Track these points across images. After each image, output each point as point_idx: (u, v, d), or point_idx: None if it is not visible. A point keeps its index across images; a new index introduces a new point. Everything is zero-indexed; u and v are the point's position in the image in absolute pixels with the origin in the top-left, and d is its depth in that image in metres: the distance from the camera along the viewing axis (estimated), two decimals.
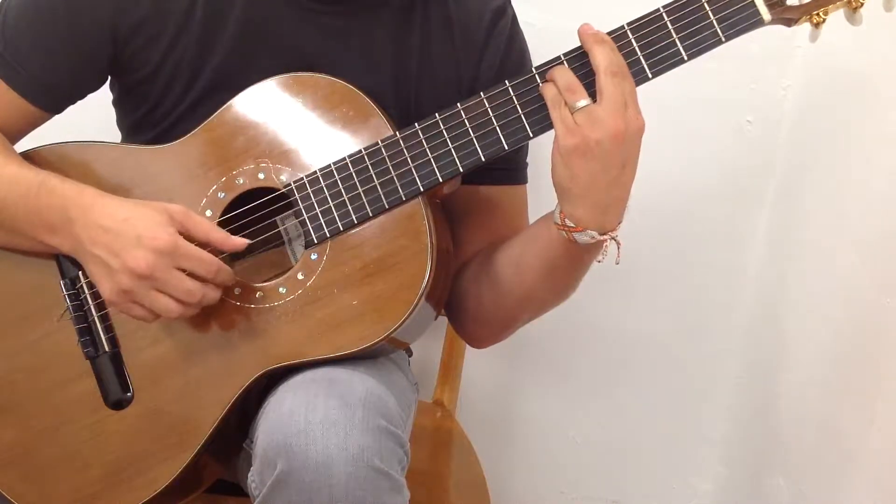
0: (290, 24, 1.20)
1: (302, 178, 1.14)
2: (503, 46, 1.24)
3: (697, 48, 1.08)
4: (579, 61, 1.09)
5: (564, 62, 1.09)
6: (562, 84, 1.07)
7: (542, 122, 1.10)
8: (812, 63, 1.62)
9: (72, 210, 1.11)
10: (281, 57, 1.18)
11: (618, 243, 1.10)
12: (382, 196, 1.12)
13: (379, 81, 1.20)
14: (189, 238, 1.09)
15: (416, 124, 1.12)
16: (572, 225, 1.09)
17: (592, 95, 1.07)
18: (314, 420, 1.00)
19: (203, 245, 1.10)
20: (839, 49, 1.43)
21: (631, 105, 1.06)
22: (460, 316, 1.27)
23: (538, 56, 1.25)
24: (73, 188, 1.13)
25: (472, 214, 1.26)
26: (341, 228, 1.13)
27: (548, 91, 1.09)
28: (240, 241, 1.12)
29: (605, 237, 1.09)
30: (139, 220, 1.08)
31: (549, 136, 1.09)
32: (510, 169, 1.27)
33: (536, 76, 1.10)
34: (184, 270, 1.08)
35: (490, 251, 1.23)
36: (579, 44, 1.10)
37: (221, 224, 1.15)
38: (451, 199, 1.23)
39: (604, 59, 1.06)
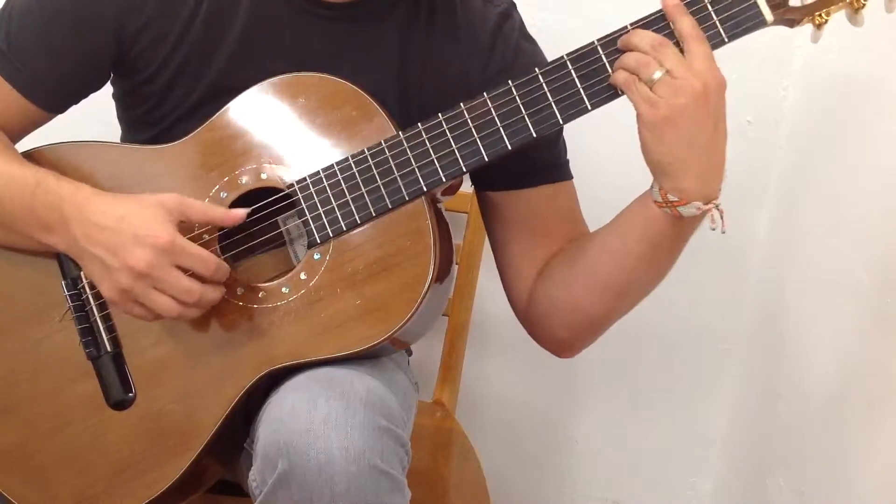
0: (295, 28, 1.20)
1: (304, 178, 1.14)
2: (511, 51, 1.23)
3: None
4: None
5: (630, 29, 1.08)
6: (632, 63, 1.06)
7: (546, 122, 1.10)
8: (812, 63, 1.63)
9: (67, 208, 1.11)
10: (284, 60, 1.18)
11: (721, 212, 1.09)
12: (385, 195, 1.12)
13: (382, 85, 1.19)
14: (189, 222, 1.10)
15: (419, 124, 1.12)
16: (676, 199, 1.08)
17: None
18: (316, 420, 1.00)
19: (204, 226, 1.11)
20: (839, 49, 1.44)
21: (707, 65, 1.05)
22: (549, 326, 1.24)
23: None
24: (69, 187, 1.12)
25: (530, 219, 1.25)
26: (344, 228, 1.13)
27: (619, 76, 1.07)
28: (240, 213, 1.11)
29: (710, 206, 1.08)
30: (136, 218, 1.08)
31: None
32: (555, 166, 1.26)
33: (539, 76, 1.10)
34: (182, 269, 1.08)
35: (572, 253, 1.21)
36: (581, 43, 1.09)
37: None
38: (505, 209, 1.24)
39: (682, 27, 1.06)
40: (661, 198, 1.09)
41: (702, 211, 1.08)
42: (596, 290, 1.18)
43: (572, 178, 1.27)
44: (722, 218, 1.09)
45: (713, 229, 1.09)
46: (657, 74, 1.05)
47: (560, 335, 1.25)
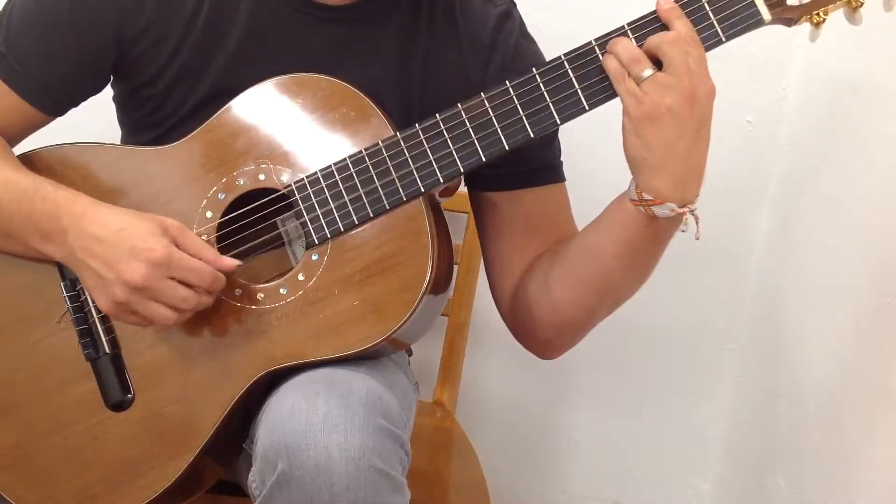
0: (295, 30, 1.20)
1: (302, 179, 1.14)
2: (511, 50, 1.23)
3: None
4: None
5: (629, 31, 1.08)
6: (625, 56, 1.06)
7: (544, 122, 1.10)
8: (812, 63, 1.63)
9: (64, 218, 1.11)
10: (284, 62, 1.18)
11: (696, 217, 1.08)
12: (383, 196, 1.12)
13: (383, 86, 1.19)
14: (181, 249, 1.09)
15: (416, 125, 1.12)
16: (650, 198, 1.07)
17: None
18: (315, 420, 1.01)
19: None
20: (839, 49, 1.44)
21: (699, 69, 1.05)
22: (530, 327, 1.24)
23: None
24: (67, 195, 1.12)
25: (521, 220, 1.24)
26: (342, 229, 1.13)
27: (610, 64, 1.07)
28: (230, 262, 1.11)
29: (685, 210, 1.07)
30: (134, 231, 1.08)
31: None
32: (549, 167, 1.26)
33: (537, 76, 1.10)
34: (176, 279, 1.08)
35: (555, 252, 1.21)
36: (581, 43, 1.09)
37: (222, 225, 1.15)
38: (498, 209, 1.23)
39: (678, 28, 1.06)
40: (636, 195, 1.09)
41: (675, 213, 1.07)
42: (575, 290, 1.18)
43: (565, 180, 1.27)
44: (697, 224, 1.08)
45: (683, 231, 1.08)
46: (646, 73, 1.05)
47: (541, 335, 1.24)
